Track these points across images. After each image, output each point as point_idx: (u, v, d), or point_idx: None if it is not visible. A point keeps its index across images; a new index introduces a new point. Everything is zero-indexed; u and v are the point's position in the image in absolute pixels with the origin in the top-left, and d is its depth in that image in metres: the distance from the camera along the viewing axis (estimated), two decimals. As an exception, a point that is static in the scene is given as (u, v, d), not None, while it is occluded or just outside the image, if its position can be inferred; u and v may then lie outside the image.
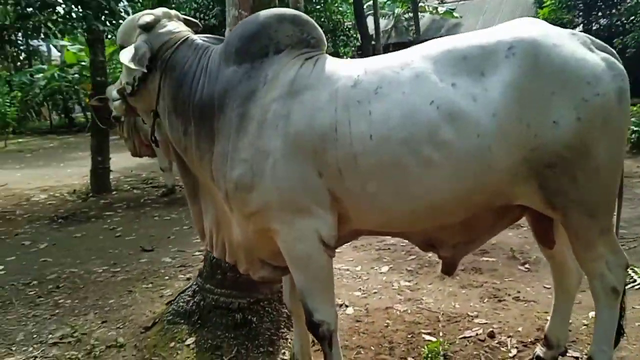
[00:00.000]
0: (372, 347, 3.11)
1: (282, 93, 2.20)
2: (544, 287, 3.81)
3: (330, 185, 2.20)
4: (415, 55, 2.23)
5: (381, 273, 4.30)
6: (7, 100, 17.20)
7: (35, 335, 3.46)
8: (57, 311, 3.86)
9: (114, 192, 8.52)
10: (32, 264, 5.10)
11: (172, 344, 3.15)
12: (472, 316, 3.43)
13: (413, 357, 2.97)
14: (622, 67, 2.16)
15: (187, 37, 2.52)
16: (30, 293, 4.28)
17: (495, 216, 2.43)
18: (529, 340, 3.08)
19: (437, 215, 2.28)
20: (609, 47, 2.25)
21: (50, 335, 3.42)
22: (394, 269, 4.38)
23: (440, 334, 3.22)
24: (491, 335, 3.15)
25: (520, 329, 3.22)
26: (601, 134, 2.09)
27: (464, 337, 3.17)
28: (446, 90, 2.10)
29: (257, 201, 2.26)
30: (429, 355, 2.90)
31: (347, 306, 3.67)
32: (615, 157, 2.20)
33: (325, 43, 2.40)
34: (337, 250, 2.41)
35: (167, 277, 4.44)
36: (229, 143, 2.28)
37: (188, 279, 4.31)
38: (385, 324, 3.39)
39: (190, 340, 3.12)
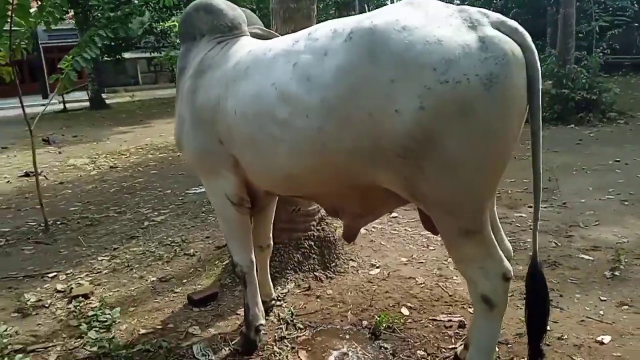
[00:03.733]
0: (351, 305, 3.35)
1: (193, 72, 2.71)
2: (600, 298, 3.23)
3: (230, 151, 2.64)
4: (290, 37, 2.42)
5: (453, 247, 4.21)
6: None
7: (166, 237, 4.80)
8: (198, 224, 5.16)
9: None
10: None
11: (217, 262, 4.03)
12: (457, 300, 3.27)
13: (368, 321, 3.12)
14: (506, 48, 1.84)
15: None
16: (203, 210, 5.71)
17: (388, 193, 2.40)
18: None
19: (302, 185, 2.47)
20: (512, 23, 1.92)
21: (170, 239, 4.71)
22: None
23: (420, 311, 3.22)
24: (461, 325, 3.01)
25: (505, 329, 2.96)
26: (455, 125, 1.85)
27: (434, 319, 3.11)
28: (287, 71, 2.23)
29: (186, 158, 2.88)
30: (377, 324, 3.03)
31: (377, 268, 3.87)
32: (480, 153, 1.91)
33: (239, 27, 2.75)
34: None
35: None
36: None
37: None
38: (387, 291, 3.52)
39: (225, 262, 3.94)
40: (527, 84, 1.92)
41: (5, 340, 3.09)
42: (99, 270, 4.17)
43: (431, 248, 4.21)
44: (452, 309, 3.22)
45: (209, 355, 2.89)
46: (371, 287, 3.56)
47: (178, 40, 2.88)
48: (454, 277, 3.64)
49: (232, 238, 2.90)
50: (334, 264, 3.81)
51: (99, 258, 4.45)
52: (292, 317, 3.18)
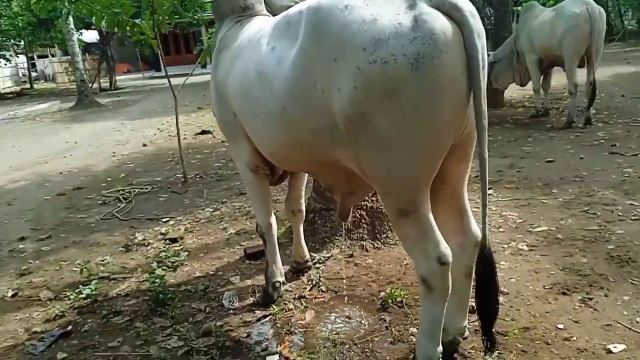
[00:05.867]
0: (381, 276, 3.44)
1: (217, 49, 3.03)
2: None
3: (241, 122, 2.93)
4: (273, 19, 2.59)
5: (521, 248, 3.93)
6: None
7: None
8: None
9: (505, 109, 9.05)
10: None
11: (287, 222, 4.34)
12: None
13: (386, 293, 3.18)
14: (436, 27, 1.78)
15: None
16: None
17: None
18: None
19: (287, 161, 2.67)
20: (454, 0, 1.83)
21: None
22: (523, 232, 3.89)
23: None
24: (471, 311, 2.90)
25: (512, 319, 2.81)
26: (384, 105, 1.85)
27: (447, 301, 3.05)
28: (265, 52, 2.44)
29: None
30: (387, 296, 3.11)
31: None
32: (409, 134, 1.90)
33: (252, 7, 2.96)
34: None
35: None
36: None
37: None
38: (424, 266, 3.49)
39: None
40: (467, 64, 1.85)
41: (102, 268, 3.88)
42: (198, 220, 4.85)
43: (501, 230, 3.99)
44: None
45: (233, 302, 3.28)
46: (410, 262, 3.57)
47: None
48: (502, 263, 3.45)
49: (253, 200, 3.21)
50: (384, 235, 3.87)
51: (207, 209, 5.14)
52: (319, 279, 3.40)
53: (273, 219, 3.20)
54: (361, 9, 1.90)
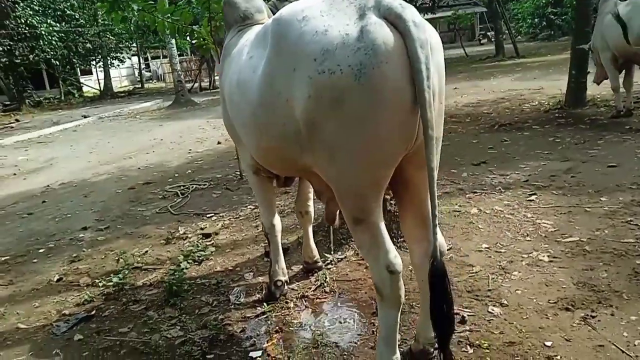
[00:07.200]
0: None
1: (222, 57, 3.18)
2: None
3: None
4: (257, 28, 2.70)
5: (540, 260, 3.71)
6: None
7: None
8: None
9: (586, 107, 8.44)
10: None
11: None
12: (490, 296, 2.99)
13: (384, 299, 3.19)
14: (378, 37, 1.82)
15: None
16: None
17: None
18: (478, 343, 2.67)
19: (270, 165, 2.76)
20: (398, 10, 1.86)
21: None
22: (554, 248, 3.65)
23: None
24: (461, 321, 2.84)
25: (501, 332, 2.71)
26: (331, 114, 1.91)
27: (441, 309, 2.99)
28: (245, 61, 2.56)
29: (226, 127, 3.40)
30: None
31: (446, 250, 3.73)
32: (354, 142, 1.94)
33: (251, 17, 3.05)
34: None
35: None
36: None
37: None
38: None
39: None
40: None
41: (138, 259, 4.20)
42: (238, 216, 5.07)
43: (527, 239, 3.79)
44: (473, 303, 3.02)
45: (239, 297, 3.43)
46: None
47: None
48: (514, 273, 3.30)
49: (257, 201, 3.35)
50: (401, 239, 3.82)
51: (249, 207, 5.34)
52: (325, 280, 3.46)
53: (277, 220, 3.31)
54: (316, 20, 1.96)
